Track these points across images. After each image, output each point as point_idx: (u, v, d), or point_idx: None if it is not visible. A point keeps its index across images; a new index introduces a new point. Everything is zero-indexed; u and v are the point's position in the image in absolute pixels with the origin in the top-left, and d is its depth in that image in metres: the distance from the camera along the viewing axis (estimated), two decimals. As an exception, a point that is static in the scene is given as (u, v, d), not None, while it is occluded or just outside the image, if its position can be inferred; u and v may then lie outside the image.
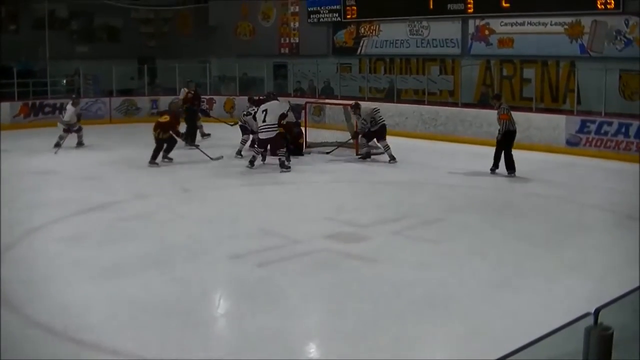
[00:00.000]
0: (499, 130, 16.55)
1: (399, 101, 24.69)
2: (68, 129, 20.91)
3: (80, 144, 21.46)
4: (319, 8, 29.20)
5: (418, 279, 9.15)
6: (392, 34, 26.94)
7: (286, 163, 17.20)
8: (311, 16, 29.62)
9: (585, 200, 14.07)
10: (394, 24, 26.65)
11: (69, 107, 21.25)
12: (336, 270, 9.63)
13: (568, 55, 22.00)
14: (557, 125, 20.30)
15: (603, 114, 19.55)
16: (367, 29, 27.77)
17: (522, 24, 22.89)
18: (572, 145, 19.82)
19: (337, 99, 23.46)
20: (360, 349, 7.08)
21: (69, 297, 8.44)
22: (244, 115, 19.27)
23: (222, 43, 32.61)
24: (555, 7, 21.70)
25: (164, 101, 28.30)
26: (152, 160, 17.78)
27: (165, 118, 18.38)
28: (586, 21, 21.35)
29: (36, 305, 8.07)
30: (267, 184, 16.16)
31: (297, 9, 30.54)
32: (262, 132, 17.20)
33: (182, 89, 22.57)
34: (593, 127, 19.48)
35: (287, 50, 31.15)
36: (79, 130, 21.38)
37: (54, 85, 29.42)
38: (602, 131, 19.26)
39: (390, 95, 25.34)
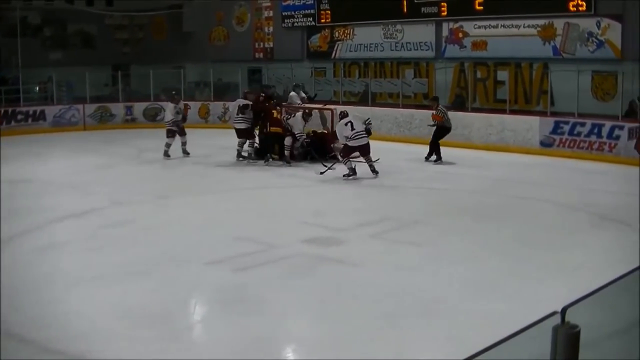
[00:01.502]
0: (435, 124, 19.14)
1: (374, 104, 24.74)
2: (173, 132, 19.77)
3: (185, 152, 20.05)
4: (293, 12, 29.24)
5: (396, 282, 9.19)
6: (366, 38, 27.00)
7: (375, 167, 17.22)
8: (285, 21, 29.64)
9: (560, 200, 14.16)
10: (368, 27, 26.71)
11: (169, 105, 20.30)
12: (314, 275, 9.65)
13: (541, 57, 22.17)
14: (530, 126, 20.45)
15: (576, 115, 19.72)
16: (341, 33, 27.82)
17: (496, 26, 23.02)
18: (546, 146, 19.97)
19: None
20: (340, 353, 7.10)
21: (45, 308, 8.39)
22: (286, 119, 19.24)
23: (197, 48, 32.57)
24: (528, 9, 21.82)
25: (138, 108, 28.32)
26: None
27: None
28: (558, 23, 21.51)
29: (13, 317, 8.00)
30: (246, 189, 16.16)
31: (271, 14, 30.54)
32: (356, 139, 17.04)
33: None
34: (566, 128, 19.63)
35: (261, 55, 31.13)
36: (182, 134, 19.98)
37: (26, 93, 29.15)
38: (576, 132, 19.42)
39: (365, 99, 25.40)
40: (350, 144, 16.94)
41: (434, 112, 19.41)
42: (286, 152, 18.51)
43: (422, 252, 10.68)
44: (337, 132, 17.60)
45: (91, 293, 8.84)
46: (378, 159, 17.41)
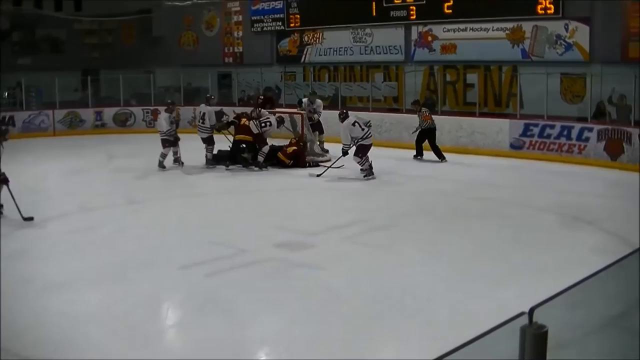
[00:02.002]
0: (420, 127, 19.85)
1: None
2: (170, 142, 18.97)
3: (178, 161, 19.38)
4: (262, 17, 29.23)
5: (366, 284, 9.23)
6: (335, 42, 27.04)
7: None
8: (255, 25, 29.62)
9: (531, 202, 14.26)
10: (338, 31, 26.74)
11: (163, 115, 19.47)
12: (285, 279, 9.67)
13: (510, 60, 22.29)
14: (500, 129, 20.56)
15: (545, 117, 19.85)
16: (310, 37, 27.84)
17: (465, 29, 23.12)
18: (516, 148, 20.09)
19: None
20: (313, 354, 7.10)
21: (14, 314, 8.31)
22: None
23: (166, 53, 32.46)
24: (496, 12, 21.94)
25: (108, 113, 28.19)
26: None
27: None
28: (527, 26, 21.64)
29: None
30: (217, 194, 16.16)
31: (240, 18, 30.49)
32: (368, 138, 17.41)
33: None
34: (536, 130, 19.77)
35: (231, 60, 31.07)
36: (175, 144, 19.17)
37: (-5, 98, 29.06)
38: (545, 134, 19.56)
39: (335, 103, 25.41)
40: (364, 143, 17.29)
41: (421, 113, 19.98)
42: (260, 158, 18.46)
43: (393, 255, 10.73)
44: (342, 132, 17.61)
45: (60, 300, 8.77)
46: (343, 165, 17.70)
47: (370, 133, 17.48)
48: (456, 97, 23.67)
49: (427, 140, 19.81)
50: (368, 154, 17.28)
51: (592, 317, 4.41)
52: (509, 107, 22.27)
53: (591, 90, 19.72)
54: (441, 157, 19.45)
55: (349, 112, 18.34)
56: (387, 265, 10.20)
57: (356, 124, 17.40)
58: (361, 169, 17.23)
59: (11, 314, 8.28)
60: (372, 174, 17.17)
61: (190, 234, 12.09)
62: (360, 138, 17.23)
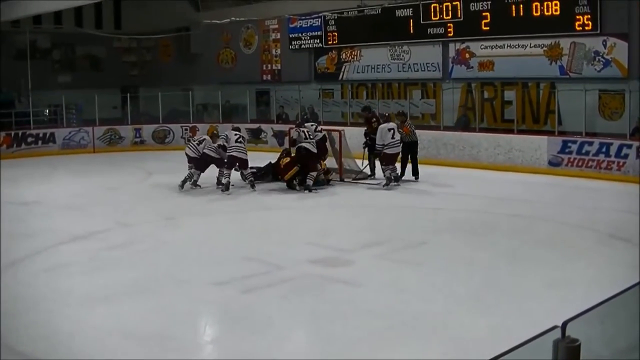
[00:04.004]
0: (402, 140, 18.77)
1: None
2: (242, 164, 18.51)
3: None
4: (300, 34, 29.35)
5: (401, 302, 9.18)
6: (373, 59, 27.06)
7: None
8: (293, 43, 29.74)
9: (567, 219, 14.13)
10: (375, 48, 26.77)
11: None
12: (321, 295, 9.64)
13: (548, 77, 22.16)
14: (538, 146, 20.43)
15: (584, 134, 19.73)
16: (348, 55, 27.89)
17: (502, 46, 23.05)
18: (554, 165, 19.95)
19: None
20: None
21: (52, 327, 8.41)
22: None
23: (204, 71, 32.74)
24: (534, 29, 21.86)
25: (147, 130, 28.46)
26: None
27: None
28: (565, 43, 21.52)
29: (20, 335, 8.06)
30: (251, 210, 16.19)
31: (278, 36, 30.65)
32: (392, 147, 17.99)
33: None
34: (574, 147, 19.62)
35: (269, 77, 31.22)
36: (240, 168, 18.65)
37: (36, 116, 29.46)
38: (584, 151, 19.41)
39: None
40: (388, 151, 17.85)
41: (404, 125, 19.38)
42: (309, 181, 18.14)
43: (427, 273, 10.68)
44: (378, 134, 18.25)
45: (99, 312, 8.86)
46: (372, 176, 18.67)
47: (396, 143, 18.03)
48: (494, 114, 23.57)
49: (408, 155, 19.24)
50: (394, 165, 17.92)
51: (626, 333, 4.37)
52: (547, 124, 22.13)
53: (630, 107, 19.55)
54: (416, 175, 19.13)
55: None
56: (420, 282, 10.17)
57: (392, 130, 18.04)
58: (386, 177, 17.97)
59: (47, 327, 8.38)
60: (391, 182, 17.85)
61: (226, 249, 12.13)
62: (385, 146, 17.74)
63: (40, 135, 27.58)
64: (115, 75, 34.36)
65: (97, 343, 7.88)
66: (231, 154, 18.03)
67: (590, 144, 19.35)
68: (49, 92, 30.50)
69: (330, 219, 15.24)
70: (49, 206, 16.56)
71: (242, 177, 18.77)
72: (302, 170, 18.07)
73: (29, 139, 27.32)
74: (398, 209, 16.13)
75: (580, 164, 19.47)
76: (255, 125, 28.37)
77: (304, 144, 18.05)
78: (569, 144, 19.79)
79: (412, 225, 14.28)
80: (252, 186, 18.22)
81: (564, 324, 3.33)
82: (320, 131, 19.14)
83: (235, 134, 18.49)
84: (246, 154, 18.38)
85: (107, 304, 9.18)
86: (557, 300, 8.77)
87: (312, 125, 19.41)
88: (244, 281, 10.14)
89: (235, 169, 18.40)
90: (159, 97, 28.89)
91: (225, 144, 18.19)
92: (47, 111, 31.53)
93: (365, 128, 20.06)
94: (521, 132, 21.73)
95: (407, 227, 14.01)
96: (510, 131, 21.76)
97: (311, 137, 18.29)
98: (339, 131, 20.04)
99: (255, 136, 27.49)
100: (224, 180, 18.11)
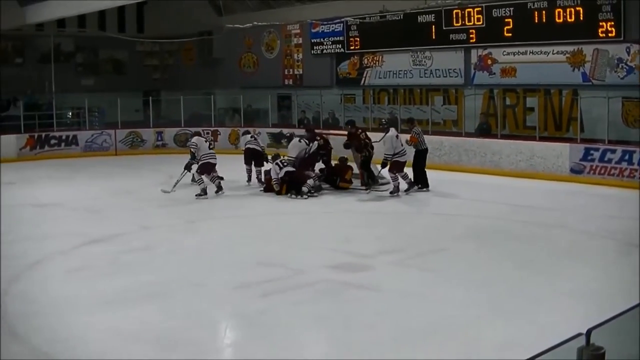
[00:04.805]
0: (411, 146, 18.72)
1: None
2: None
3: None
4: (322, 39, 29.33)
5: (420, 308, 9.18)
6: (395, 65, 27.02)
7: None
8: (314, 48, 29.75)
9: (587, 228, 14.04)
10: (397, 54, 26.73)
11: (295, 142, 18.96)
12: (339, 300, 9.64)
13: (570, 84, 22.02)
14: (560, 153, 20.32)
15: (606, 141, 19.59)
16: (370, 60, 27.87)
17: (525, 53, 22.96)
18: (576, 173, 19.83)
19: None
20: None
21: (71, 329, 8.46)
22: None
23: (227, 75, 32.81)
24: (556, 36, 21.76)
25: (169, 133, 28.57)
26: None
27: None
28: (588, 49, 21.40)
29: (43, 336, 8.13)
30: (270, 214, 16.20)
31: (300, 41, 30.66)
32: (403, 155, 17.96)
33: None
34: (597, 154, 19.50)
35: (291, 82, 31.23)
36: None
37: (59, 118, 29.66)
38: (606, 159, 19.27)
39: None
40: (400, 159, 17.76)
41: (411, 134, 19.15)
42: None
43: (445, 279, 10.65)
44: (386, 141, 17.88)
45: (118, 315, 8.89)
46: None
47: (405, 150, 17.89)
48: (516, 121, 23.47)
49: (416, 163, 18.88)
50: (404, 172, 17.84)
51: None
52: (569, 131, 22.01)
53: (653, 114, 19.46)
54: (426, 185, 18.61)
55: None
56: (439, 288, 10.14)
57: (399, 137, 17.96)
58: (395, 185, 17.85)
59: (69, 329, 8.42)
60: (412, 187, 18.03)
61: (245, 254, 12.16)
62: (397, 154, 17.62)
63: (63, 137, 27.76)
64: (138, 79, 34.56)
65: (114, 346, 7.91)
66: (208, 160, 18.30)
67: (613, 151, 19.22)
68: (72, 95, 30.72)
69: (348, 224, 15.17)
70: (70, 208, 16.65)
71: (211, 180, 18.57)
72: (292, 184, 18.08)
73: (52, 141, 27.52)
74: (416, 215, 16.13)
75: (602, 171, 19.34)
76: (276, 130, 28.43)
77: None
78: (591, 152, 19.67)
79: (432, 231, 14.25)
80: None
81: (589, 332, 3.31)
82: (319, 140, 19.28)
83: (206, 140, 19.53)
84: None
85: (124, 307, 9.22)
86: (578, 309, 8.75)
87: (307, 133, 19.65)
88: (262, 285, 10.15)
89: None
90: (181, 101, 28.99)
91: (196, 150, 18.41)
92: (70, 114, 31.70)
93: (346, 140, 19.62)
94: (543, 139, 21.60)
95: (427, 234, 13.97)
96: (532, 138, 21.64)
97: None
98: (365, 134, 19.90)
99: (277, 140, 27.49)
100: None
